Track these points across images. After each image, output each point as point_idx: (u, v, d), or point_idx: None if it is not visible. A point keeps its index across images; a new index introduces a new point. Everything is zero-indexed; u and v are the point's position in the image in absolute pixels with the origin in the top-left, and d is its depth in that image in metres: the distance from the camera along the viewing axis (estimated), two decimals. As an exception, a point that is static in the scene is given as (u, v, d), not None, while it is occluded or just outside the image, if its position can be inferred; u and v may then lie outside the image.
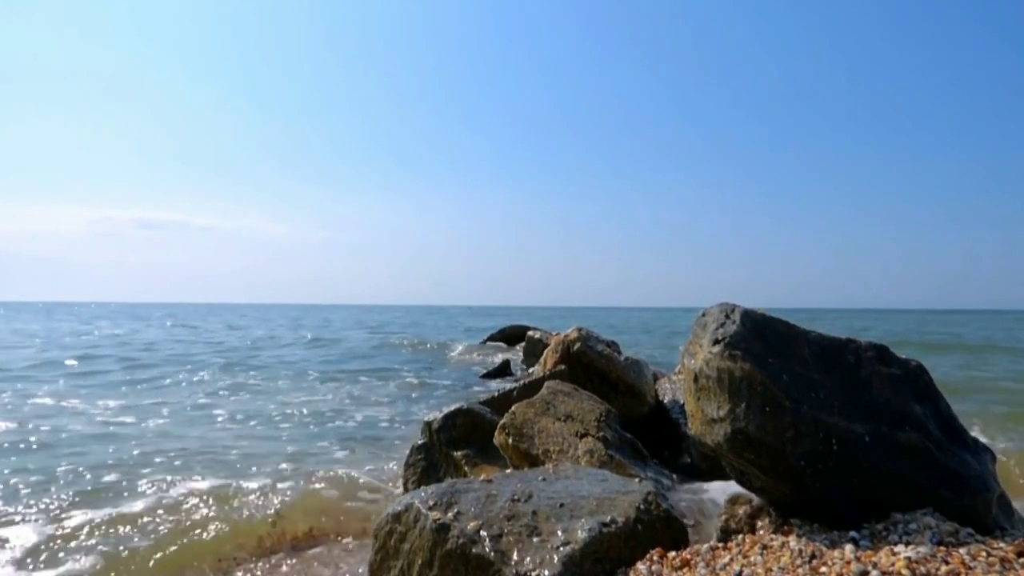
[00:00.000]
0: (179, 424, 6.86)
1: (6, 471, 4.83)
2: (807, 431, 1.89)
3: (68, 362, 12.97)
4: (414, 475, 3.88)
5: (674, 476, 3.35)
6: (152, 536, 3.56)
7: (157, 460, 5.20)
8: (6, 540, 3.47)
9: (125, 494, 4.31)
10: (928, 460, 1.92)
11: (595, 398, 3.62)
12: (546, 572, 1.77)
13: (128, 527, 3.69)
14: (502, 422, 3.30)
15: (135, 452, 5.45)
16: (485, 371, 11.63)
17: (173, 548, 3.39)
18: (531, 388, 4.14)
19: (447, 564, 1.92)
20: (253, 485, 4.58)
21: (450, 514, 2.02)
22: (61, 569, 3.15)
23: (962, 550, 1.58)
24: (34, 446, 5.68)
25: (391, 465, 5.08)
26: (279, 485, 4.59)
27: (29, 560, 3.25)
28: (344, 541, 3.47)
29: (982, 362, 14.17)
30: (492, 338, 16.77)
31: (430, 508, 2.06)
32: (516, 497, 2.12)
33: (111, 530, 3.61)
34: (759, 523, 2.06)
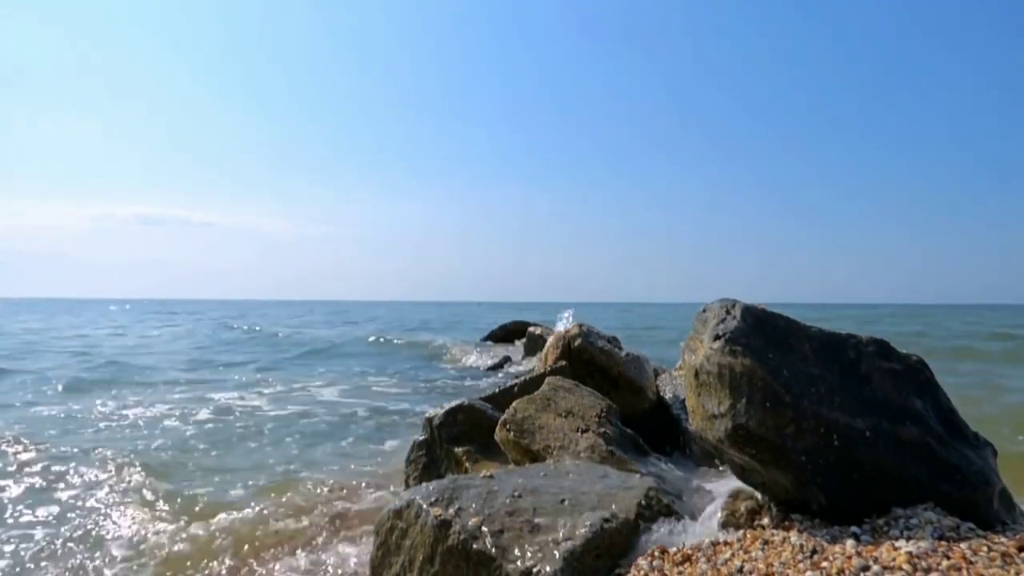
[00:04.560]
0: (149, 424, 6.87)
1: None
2: (808, 426, 1.89)
3: None
4: (415, 471, 3.89)
5: (675, 472, 3.35)
6: (152, 538, 3.57)
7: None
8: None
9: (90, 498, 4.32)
10: (929, 455, 1.92)
11: (596, 394, 3.62)
12: (547, 568, 1.78)
13: (122, 530, 3.71)
14: (503, 418, 3.30)
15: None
16: (486, 366, 11.65)
17: (178, 548, 3.40)
18: (532, 384, 4.14)
19: (448, 560, 1.93)
20: (253, 484, 4.59)
21: (451, 510, 2.02)
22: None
23: (963, 545, 1.58)
24: None
25: (392, 461, 5.09)
26: (279, 483, 4.60)
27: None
28: (345, 537, 3.47)
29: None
30: (493, 334, 16.77)
31: (431, 504, 2.06)
32: (517, 493, 2.12)
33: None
34: (760, 518, 2.06)
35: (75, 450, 5.40)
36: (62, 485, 4.48)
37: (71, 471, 4.79)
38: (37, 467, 4.94)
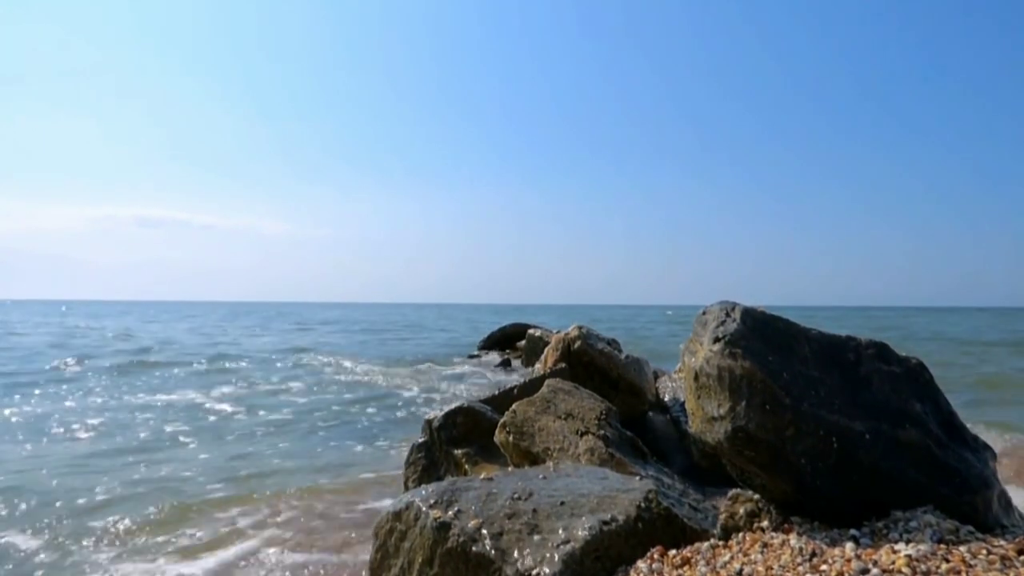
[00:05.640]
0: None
1: None
2: (807, 429, 1.89)
3: None
4: (414, 473, 3.88)
5: (675, 475, 3.35)
6: (154, 532, 3.57)
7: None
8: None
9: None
10: (928, 458, 1.92)
11: (595, 396, 3.62)
12: (547, 570, 1.78)
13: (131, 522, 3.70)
14: (503, 420, 3.30)
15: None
16: (484, 369, 11.61)
17: (174, 546, 3.40)
18: (531, 386, 4.14)
19: (447, 562, 1.92)
20: (253, 484, 4.58)
21: (451, 512, 2.02)
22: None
23: (963, 548, 1.58)
24: None
25: (391, 463, 5.09)
26: (279, 482, 4.59)
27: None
28: (344, 539, 3.47)
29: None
30: (492, 336, 16.64)
31: (431, 506, 2.06)
32: (516, 495, 2.12)
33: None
34: (759, 521, 2.06)
35: None
36: None
37: None
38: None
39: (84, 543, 3.43)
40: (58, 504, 4.08)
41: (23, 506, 4.04)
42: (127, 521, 3.77)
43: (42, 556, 3.31)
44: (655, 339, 21.60)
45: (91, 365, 12.61)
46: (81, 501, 4.13)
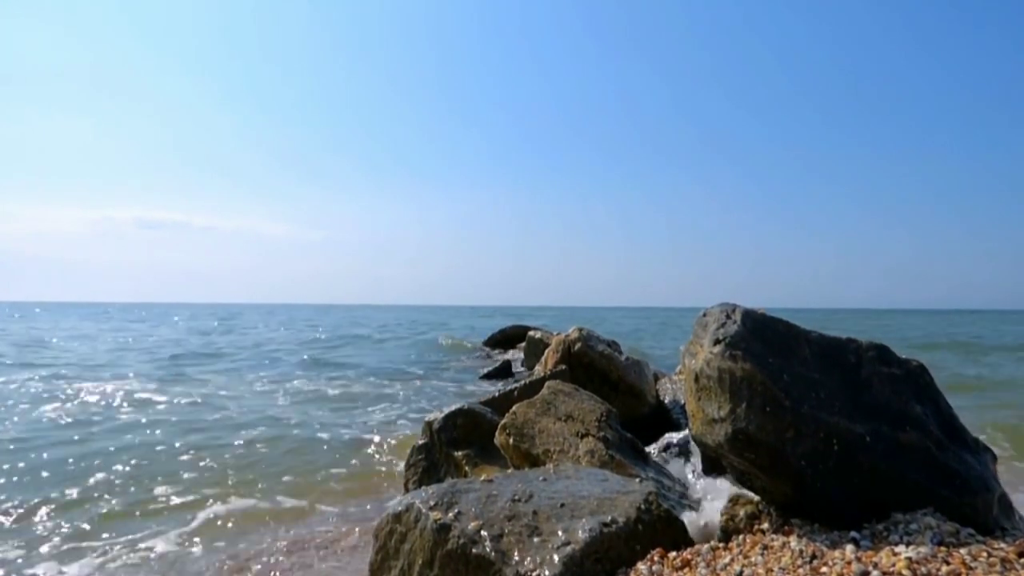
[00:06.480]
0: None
1: None
2: (807, 431, 1.89)
3: None
4: (415, 475, 3.88)
5: (675, 476, 3.34)
6: (149, 536, 3.57)
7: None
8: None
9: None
10: (928, 460, 1.92)
11: (596, 398, 3.62)
12: (547, 572, 1.77)
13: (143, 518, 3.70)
14: (503, 422, 3.30)
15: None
16: (484, 372, 11.62)
17: (159, 554, 3.40)
18: (532, 388, 4.14)
19: (448, 564, 1.92)
20: (251, 486, 4.58)
21: (451, 514, 2.02)
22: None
23: (963, 550, 1.58)
24: None
25: (390, 465, 5.09)
26: (278, 484, 4.59)
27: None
28: (344, 541, 3.47)
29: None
30: (492, 338, 16.70)
31: (431, 508, 2.06)
32: (517, 497, 2.12)
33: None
34: (760, 523, 2.06)
35: None
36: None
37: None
38: None
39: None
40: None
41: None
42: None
43: None
44: (655, 341, 21.60)
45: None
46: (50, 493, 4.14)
